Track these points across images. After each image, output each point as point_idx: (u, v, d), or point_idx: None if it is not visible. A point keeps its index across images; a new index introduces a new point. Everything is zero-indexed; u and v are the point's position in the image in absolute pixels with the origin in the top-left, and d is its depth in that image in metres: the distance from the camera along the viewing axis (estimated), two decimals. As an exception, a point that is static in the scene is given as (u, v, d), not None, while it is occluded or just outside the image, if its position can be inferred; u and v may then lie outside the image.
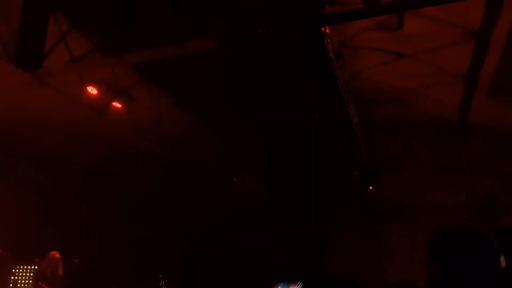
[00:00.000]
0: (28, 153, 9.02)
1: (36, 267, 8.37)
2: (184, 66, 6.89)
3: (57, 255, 8.05)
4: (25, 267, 8.46)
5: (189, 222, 10.34)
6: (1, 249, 8.49)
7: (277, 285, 7.94)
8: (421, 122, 9.37)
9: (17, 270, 8.45)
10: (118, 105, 7.68)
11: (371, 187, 10.10)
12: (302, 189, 10.04)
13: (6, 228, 8.54)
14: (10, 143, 8.25)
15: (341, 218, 11.17)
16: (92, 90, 7.22)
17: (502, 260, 5.60)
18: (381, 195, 10.49)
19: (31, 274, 8.40)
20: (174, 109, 8.31)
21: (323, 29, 5.45)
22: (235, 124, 8.62)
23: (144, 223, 10.57)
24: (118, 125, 7.94)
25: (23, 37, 5.90)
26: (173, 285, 9.84)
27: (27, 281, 8.39)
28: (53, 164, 9.36)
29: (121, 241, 9.85)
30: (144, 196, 10.23)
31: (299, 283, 7.58)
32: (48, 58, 6.22)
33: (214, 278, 10.17)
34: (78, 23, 6.50)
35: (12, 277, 8.39)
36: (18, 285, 8.40)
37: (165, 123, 8.36)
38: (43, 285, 7.83)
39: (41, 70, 6.30)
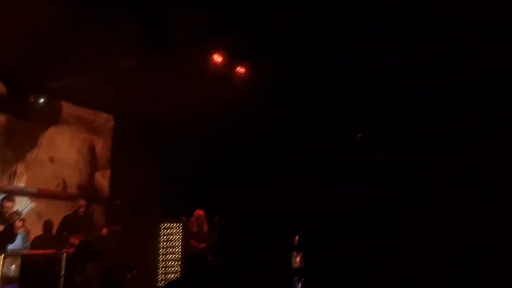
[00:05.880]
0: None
1: (182, 224, 8.88)
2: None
3: (202, 212, 8.52)
4: (173, 224, 9.02)
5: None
6: (152, 208, 9.16)
7: None
8: None
9: (166, 227, 9.03)
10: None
11: None
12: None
13: (155, 187, 9.19)
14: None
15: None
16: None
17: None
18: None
19: (180, 230, 8.93)
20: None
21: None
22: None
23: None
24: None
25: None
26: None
27: (175, 237, 8.95)
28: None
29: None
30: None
31: None
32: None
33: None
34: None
35: (162, 233, 9.00)
36: (168, 241, 8.99)
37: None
38: (193, 241, 8.34)
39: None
